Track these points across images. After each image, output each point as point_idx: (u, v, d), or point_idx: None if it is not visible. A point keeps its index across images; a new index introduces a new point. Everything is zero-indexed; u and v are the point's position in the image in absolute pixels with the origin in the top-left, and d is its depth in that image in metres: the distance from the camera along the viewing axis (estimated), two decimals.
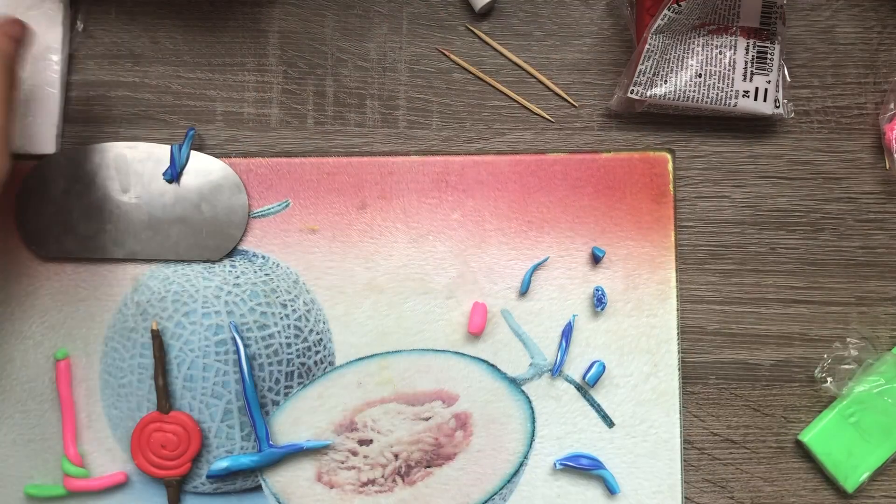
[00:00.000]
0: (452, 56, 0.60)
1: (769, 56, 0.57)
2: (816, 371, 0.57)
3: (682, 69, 0.57)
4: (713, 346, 0.58)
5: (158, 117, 0.59)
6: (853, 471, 0.55)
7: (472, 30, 0.60)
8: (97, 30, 0.60)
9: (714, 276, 0.58)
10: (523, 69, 0.60)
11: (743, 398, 0.58)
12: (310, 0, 0.60)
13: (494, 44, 0.60)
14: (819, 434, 0.56)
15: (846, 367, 0.56)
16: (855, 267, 0.58)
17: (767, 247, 0.59)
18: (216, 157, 0.58)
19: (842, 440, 0.55)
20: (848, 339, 0.57)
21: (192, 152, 0.57)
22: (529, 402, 0.56)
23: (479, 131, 0.60)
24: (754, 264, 0.58)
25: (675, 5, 0.54)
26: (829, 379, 0.56)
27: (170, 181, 0.57)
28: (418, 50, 0.60)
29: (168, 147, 0.57)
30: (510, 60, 0.60)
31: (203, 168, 0.57)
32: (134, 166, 0.57)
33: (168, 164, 0.57)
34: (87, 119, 0.59)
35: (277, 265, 0.57)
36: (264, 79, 0.60)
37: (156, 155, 0.57)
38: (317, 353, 0.56)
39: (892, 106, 0.58)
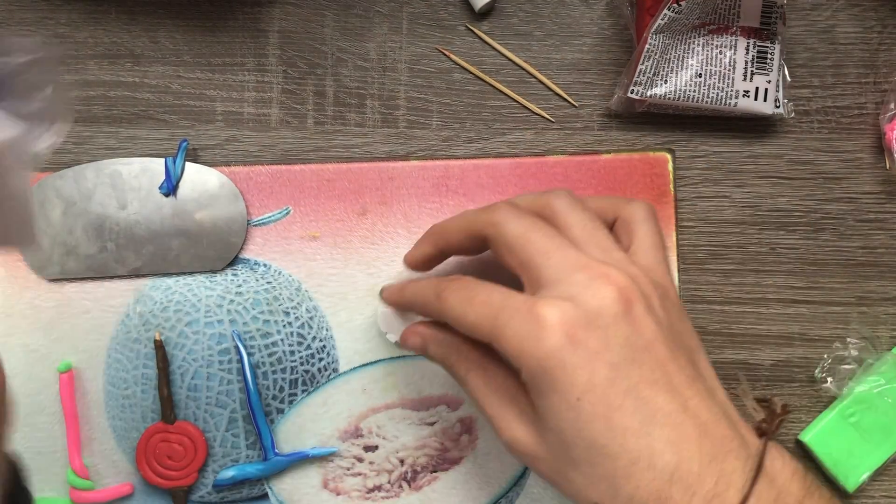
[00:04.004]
0: (452, 56, 0.59)
1: (769, 56, 0.57)
2: (816, 371, 0.57)
3: (682, 69, 0.56)
4: (714, 346, 0.58)
5: (158, 117, 0.59)
6: (853, 471, 0.55)
7: (472, 29, 0.60)
8: (97, 30, 0.59)
9: (714, 276, 0.59)
10: (523, 69, 0.60)
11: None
12: (310, 0, 0.60)
13: (494, 44, 0.60)
14: (819, 434, 0.56)
15: (846, 367, 0.56)
16: (855, 267, 0.58)
17: (767, 247, 0.59)
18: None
19: (842, 440, 0.56)
20: (848, 339, 0.57)
21: (187, 163, 0.57)
22: None
23: (479, 131, 0.59)
24: (754, 264, 0.59)
25: (676, 5, 0.54)
26: (829, 379, 0.57)
27: (167, 194, 0.57)
28: (418, 50, 0.60)
29: (162, 160, 0.57)
30: (510, 60, 0.60)
31: (199, 178, 0.57)
32: (130, 182, 0.57)
33: (164, 177, 0.57)
34: (87, 119, 0.59)
35: (279, 273, 0.57)
36: (264, 79, 0.59)
37: (151, 169, 0.57)
38: (320, 360, 0.56)
39: (892, 106, 0.58)
